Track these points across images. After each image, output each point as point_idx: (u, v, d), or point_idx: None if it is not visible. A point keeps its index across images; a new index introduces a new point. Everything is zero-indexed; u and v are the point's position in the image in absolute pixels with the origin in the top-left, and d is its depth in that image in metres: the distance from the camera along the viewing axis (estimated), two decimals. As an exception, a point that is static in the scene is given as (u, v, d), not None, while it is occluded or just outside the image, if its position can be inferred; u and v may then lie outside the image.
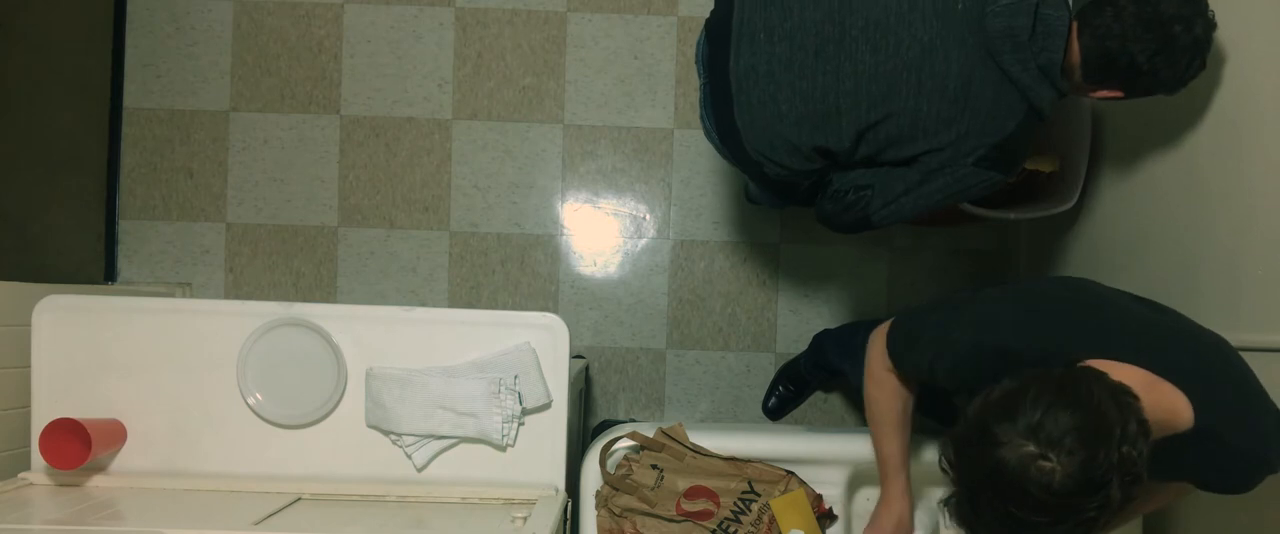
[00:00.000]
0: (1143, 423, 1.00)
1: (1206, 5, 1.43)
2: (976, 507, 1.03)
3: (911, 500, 1.49)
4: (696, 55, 1.74)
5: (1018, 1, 1.46)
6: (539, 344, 1.58)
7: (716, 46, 1.64)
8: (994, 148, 1.52)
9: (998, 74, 1.48)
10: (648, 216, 2.51)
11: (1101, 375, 1.03)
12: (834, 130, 1.58)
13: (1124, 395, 1.01)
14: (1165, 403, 1.11)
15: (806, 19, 1.56)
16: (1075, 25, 1.47)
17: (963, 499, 1.05)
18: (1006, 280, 1.34)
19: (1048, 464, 0.97)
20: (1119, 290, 1.38)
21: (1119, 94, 1.50)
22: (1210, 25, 1.43)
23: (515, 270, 2.50)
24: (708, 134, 1.74)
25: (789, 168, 1.66)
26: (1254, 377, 1.24)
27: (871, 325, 2.19)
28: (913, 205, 1.60)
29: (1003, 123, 1.51)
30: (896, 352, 1.38)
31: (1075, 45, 1.47)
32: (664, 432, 1.60)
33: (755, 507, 1.58)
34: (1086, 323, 1.22)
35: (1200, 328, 1.30)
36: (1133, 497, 0.99)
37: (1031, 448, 0.97)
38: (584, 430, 2.38)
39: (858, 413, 2.50)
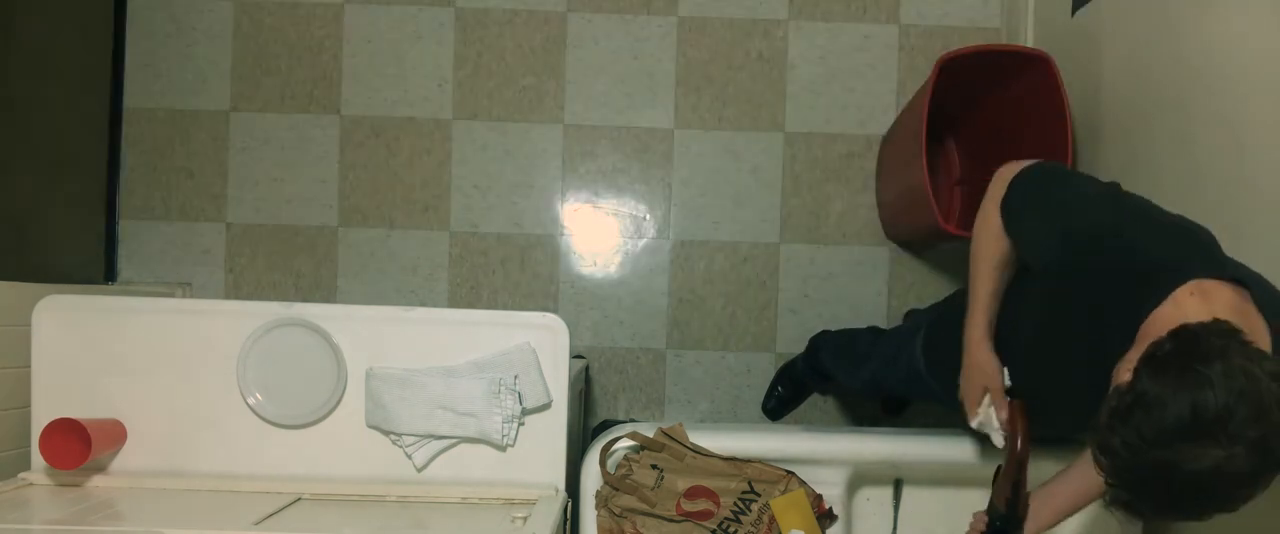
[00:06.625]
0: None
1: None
2: (1159, 508, 1.04)
3: (992, 348, 1.42)
4: None
5: None
6: (539, 344, 1.58)
7: None
8: None
9: None
10: (648, 216, 2.51)
11: (1228, 351, 1.01)
12: None
13: (1254, 356, 1.00)
14: (1255, 335, 1.09)
15: None
16: None
17: (1139, 502, 1.05)
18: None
19: (1236, 463, 0.97)
20: None
21: None
22: None
23: (515, 270, 2.50)
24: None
25: None
26: None
27: (868, 331, 2.21)
28: None
29: None
30: (1015, 208, 1.33)
31: None
32: (664, 432, 1.60)
33: (755, 507, 1.58)
34: (1198, 252, 1.20)
35: None
36: None
37: (1218, 451, 0.97)
38: (584, 430, 2.38)
39: (856, 412, 2.50)
